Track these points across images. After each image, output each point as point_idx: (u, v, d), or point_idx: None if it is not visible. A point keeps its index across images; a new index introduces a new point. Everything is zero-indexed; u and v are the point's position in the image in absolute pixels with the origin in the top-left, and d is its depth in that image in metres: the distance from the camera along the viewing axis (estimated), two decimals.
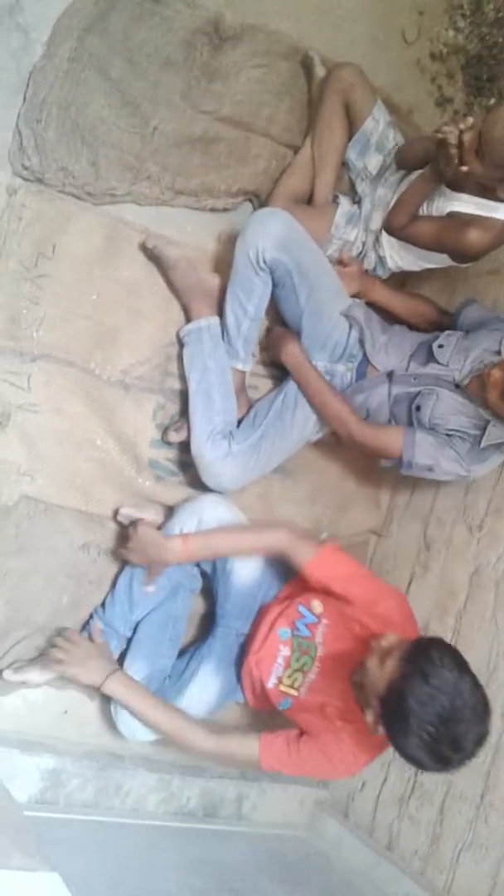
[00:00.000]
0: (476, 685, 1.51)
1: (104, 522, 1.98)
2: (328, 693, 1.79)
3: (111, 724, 1.93)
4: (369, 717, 1.60)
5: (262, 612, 1.97)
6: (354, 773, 1.84)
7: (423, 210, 2.04)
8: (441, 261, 2.09)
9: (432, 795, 2.00)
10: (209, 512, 1.92)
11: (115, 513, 1.98)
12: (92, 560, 1.98)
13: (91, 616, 1.97)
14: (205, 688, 1.94)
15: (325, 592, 1.82)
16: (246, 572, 1.96)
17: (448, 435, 1.95)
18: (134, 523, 1.91)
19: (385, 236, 2.11)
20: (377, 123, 2.10)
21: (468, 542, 2.15)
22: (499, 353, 1.95)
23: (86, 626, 1.97)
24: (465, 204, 1.96)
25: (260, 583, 1.98)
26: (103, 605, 1.98)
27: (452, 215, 1.98)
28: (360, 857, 2.06)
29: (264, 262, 1.92)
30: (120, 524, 1.99)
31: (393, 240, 2.11)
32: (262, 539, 1.91)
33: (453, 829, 1.92)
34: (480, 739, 1.49)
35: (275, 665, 1.89)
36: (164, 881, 1.73)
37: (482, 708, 1.49)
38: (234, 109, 2.05)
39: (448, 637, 2.09)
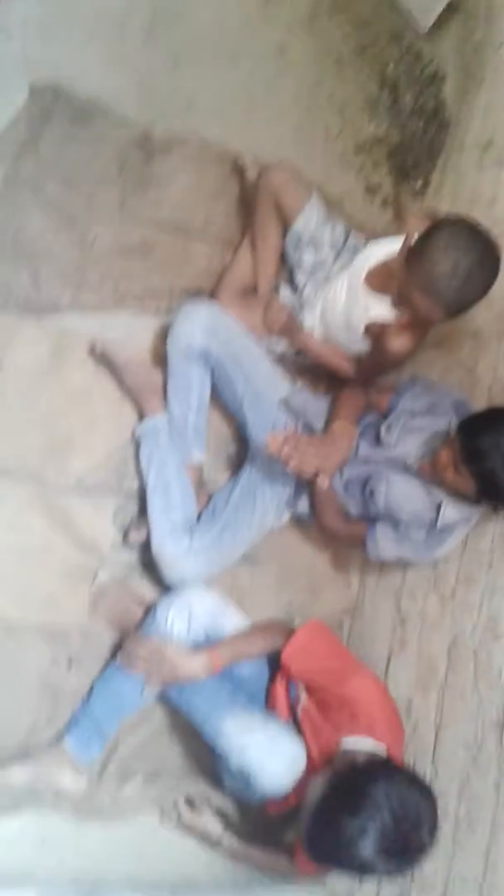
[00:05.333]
0: None
1: (69, 632, 1.94)
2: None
3: (92, 848, 1.85)
4: None
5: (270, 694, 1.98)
6: None
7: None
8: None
9: (434, 882, 1.92)
10: (198, 604, 1.90)
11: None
12: (65, 672, 1.92)
13: (70, 724, 1.88)
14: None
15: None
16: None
17: (404, 521, 1.99)
18: (142, 639, 1.86)
19: (313, 325, 2.18)
20: (308, 222, 2.09)
21: (442, 614, 2.12)
22: (448, 435, 1.97)
23: (65, 734, 1.87)
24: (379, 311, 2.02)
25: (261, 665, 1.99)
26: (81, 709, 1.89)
27: (369, 328, 2.05)
28: None
29: (196, 352, 1.96)
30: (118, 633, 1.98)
31: (320, 327, 2.18)
32: (271, 642, 1.92)
33: None
34: None
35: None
36: None
37: None
38: (170, 215, 2.12)
39: (432, 714, 2.05)
